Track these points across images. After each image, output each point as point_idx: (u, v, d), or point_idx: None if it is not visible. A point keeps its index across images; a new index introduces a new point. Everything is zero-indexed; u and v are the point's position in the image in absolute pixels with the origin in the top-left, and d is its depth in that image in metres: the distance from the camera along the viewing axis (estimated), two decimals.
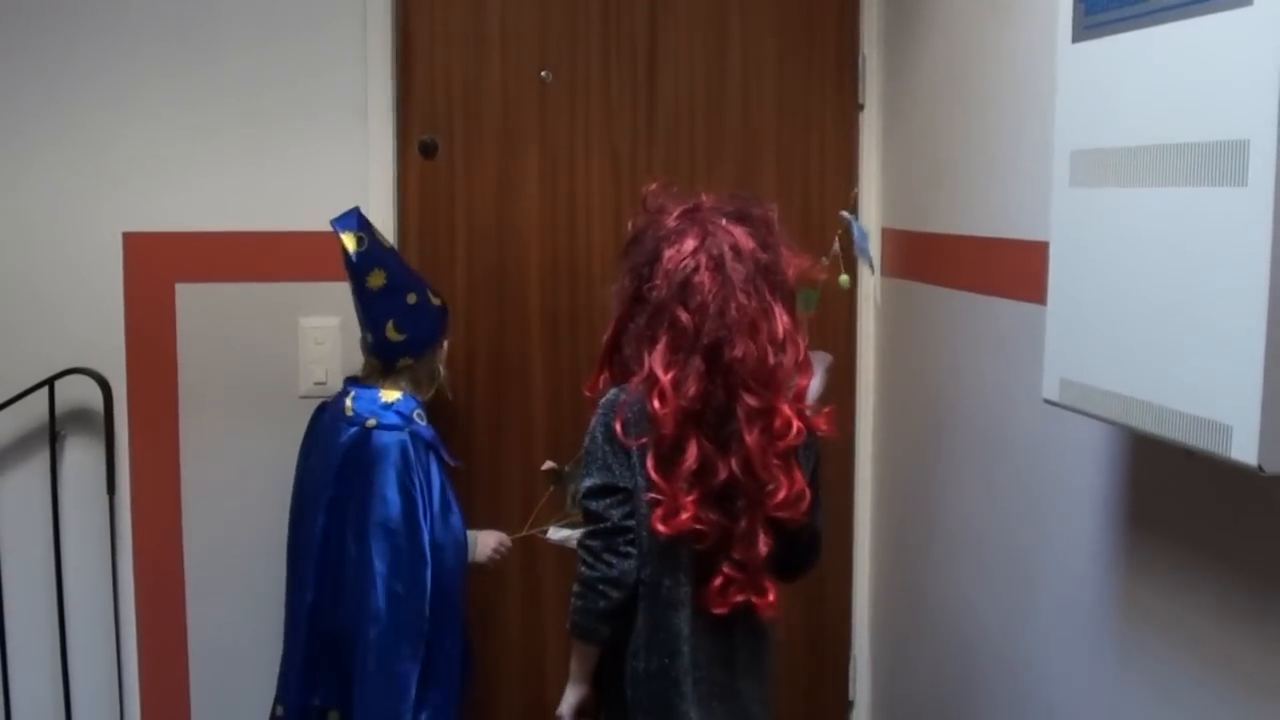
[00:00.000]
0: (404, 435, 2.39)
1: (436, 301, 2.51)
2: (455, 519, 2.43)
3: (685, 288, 1.90)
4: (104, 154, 2.68)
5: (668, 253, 1.93)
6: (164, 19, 2.67)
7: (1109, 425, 1.71)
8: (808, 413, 1.97)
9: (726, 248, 1.91)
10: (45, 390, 2.64)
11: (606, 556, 1.95)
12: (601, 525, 1.96)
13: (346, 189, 2.69)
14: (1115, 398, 1.56)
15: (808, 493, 1.94)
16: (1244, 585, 1.58)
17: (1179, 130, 1.42)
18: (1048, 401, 1.74)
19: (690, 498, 1.89)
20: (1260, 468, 1.30)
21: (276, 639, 2.56)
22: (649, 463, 1.91)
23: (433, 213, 2.86)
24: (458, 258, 2.88)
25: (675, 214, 1.98)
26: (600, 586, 1.95)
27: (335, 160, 2.75)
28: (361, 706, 2.36)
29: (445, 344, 2.58)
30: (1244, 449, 1.31)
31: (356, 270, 2.38)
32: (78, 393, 2.69)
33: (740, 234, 1.93)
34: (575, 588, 1.99)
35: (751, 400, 1.89)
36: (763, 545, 1.92)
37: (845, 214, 2.27)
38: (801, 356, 1.95)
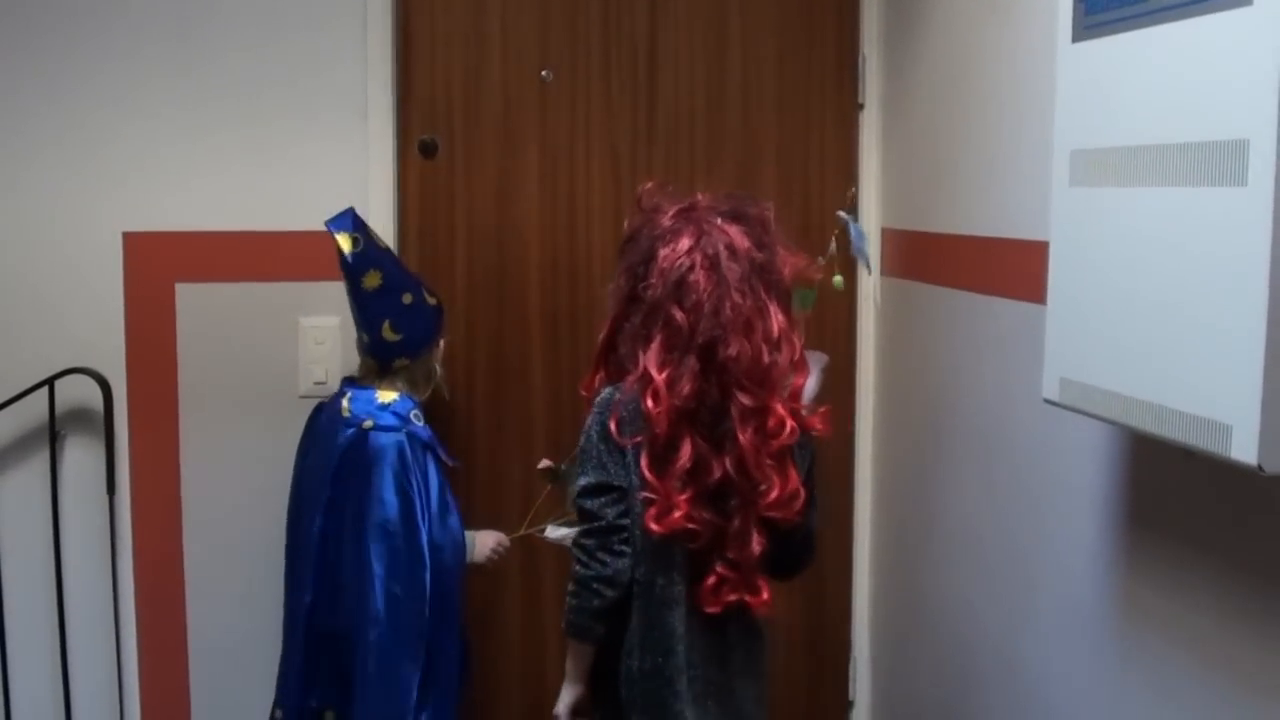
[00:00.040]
0: (401, 436, 2.39)
1: (432, 301, 2.51)
2: (453, 519, 2.43)
3: (680, 287, 1.90)
4: (104, 154, 2.68)
5: (663, 252, 1.92)
6: (164, 18, 2.67)
7: (1109, 425, 1.70)
8: (803, 412, 1.97)
9: (722, 247, 1.91)
10: (45, 390, 2.64)
11: (601, 555, 1.95)
12: (596, 524, 1.96)
13: (346, 189, 2.69)
14: (1115, 397, 1.56)
15: (802, 492, 1.94)
16: (1244, 585, 1.58)
17: (1179, 130, 1.42)
18: (1048, 401, 1.74)
19: (684, 496, 1.89)
20: (1260, 467, 1.30)
21: (276, 638, 2.56)
22: (643, 461, 1.91)
23: (433, 212, 2.86)
24: (458, 257, 2.88)
25: (670, 213, 1.98)
26: (594, 585, 1.95)
27: (335, 160, 2.75)
28: (362, 709, 2.35)
29: (441, 343, 2.58)
30: (1244, 449, 1.31)
31: (352, 271, 2.37)
32: (78, 392, 2.69)
33: (735, 233, 1.93)
34: (570, 586, 1.99)
35: (745, 399, 1.89)
36: (756, 544, 1.92)
37: (842, 214, 2.27)
38: (797, 356, 1.95)
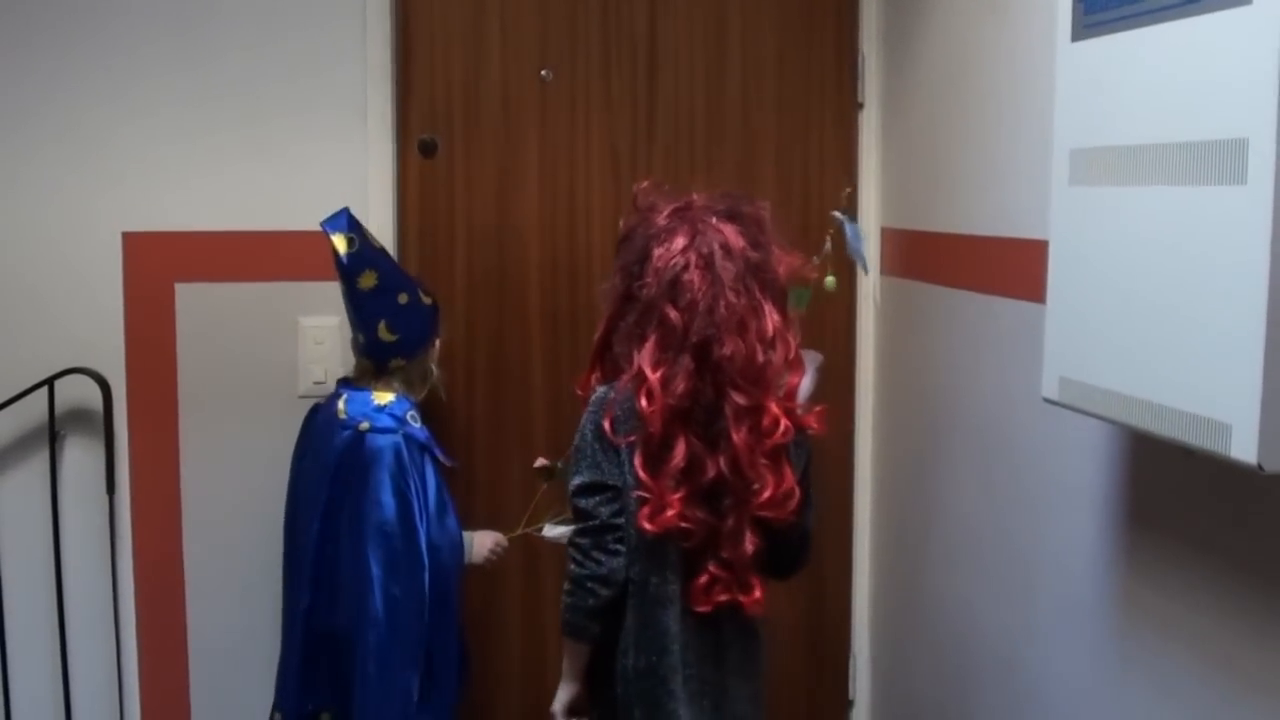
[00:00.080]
0: (398, 438, 2.37)
1: (427, 301, 2.50)
2: (451, 521, 2.43)
3: (675, 286, 1.90)
4: (103, 153, 2.68)
5: (657, 251, 1.92)
6: (163, 17, 2.67)
7: (1108, 424, 1.70)
8: (799, 411, 1.97)
9: (716, 246, 1.91)
10: (45, 390, 2.64)
11: (595, 554, 1.95)
12: (590, 523, 1.96)
13: (346, 188, 2.69)
14: (1115, 396, 1.56)
15: (797, 492, 1.94)
16: (1244, 584, 1.58)
17: (1178, 129, 1.42)
18: (1047, 400, 1.74)
19: (677, 495, 1.89)
20: (1260, 466, 1.30)
21: (276, 638, 2.56)
22: (637, 460, 1.91)
23: (432, 212, 2.86)
24: (457, 257, 2.88)
25: (666, 212, 1.98)
26: (589, 584, 1.95)
27: (335, 159, 2.75)
28: (362, 712, 2.34)
29: (437, 343, 2.57)
30: (1243, 447, 1.31)
31: (348, 271, 2.36)
32: (77, 392, 2.69)
33: (731, 232, 1.93)
34: (565, 585, 1.99)
35: (740, 398, 1.89)
36: (749, 544, 1.92)
37: (837, 214, 2.26)
38: (792, 355, 1.95)
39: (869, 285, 2.99)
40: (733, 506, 1.92)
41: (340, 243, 2.34)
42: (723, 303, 1.88)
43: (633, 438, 1.93)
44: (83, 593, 2.73)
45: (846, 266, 2.71)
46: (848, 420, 3.02)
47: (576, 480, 1.98)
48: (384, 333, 2.42)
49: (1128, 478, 1.87)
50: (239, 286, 2.75)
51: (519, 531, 2.59)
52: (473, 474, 2.89)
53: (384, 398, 2.43)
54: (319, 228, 2.37)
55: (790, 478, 1.93)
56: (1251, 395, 1.29)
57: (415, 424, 2.43)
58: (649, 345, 1.91)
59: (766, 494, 1.90)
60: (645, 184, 2.08)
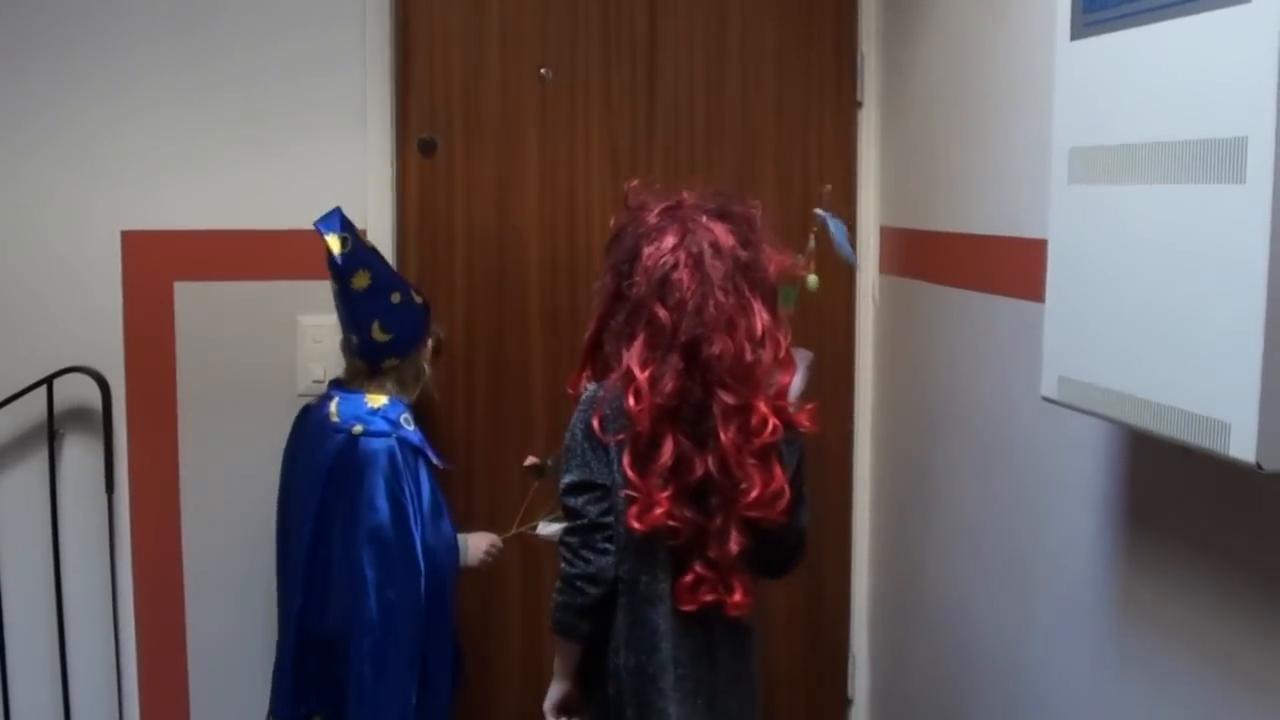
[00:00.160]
0: (392, 441, 2.36)
1: (419, 300, 2.48)
2: (446, 523, 2.41)
3: (664, 285, 1.89)
4: (103, 152, 2.68)
5: (647, 250, 1.92)
6: (163, 16, 2.67)
7: (1107, 423, 1.71)
8: (790, 410, 1.96)
9: (706, 245, 1.90)
10: (44, 389, 2.64)
11: (584, 553, 1.95)
12: (579, 521, 1.96)
13: (345, 187, 2.69)
14: (1114, 395, 1.56)
15: (786, 491, 1.93)
16: (1243, 582, 1.58)
17: (1178, 128, 1.42)
18: (1046, 399, 1.74)
19: (665, 494, 1.89)
20: (1259, 465, 1.30)
21: (275, 636, 2.56)
22: (625, 459, 1.91)
23: (432, 211, 2.85)
24: (457, 256, 2.88)
25: (656, 211, 1.97)
26: (578, 583, 1.95)
27: (334, 158, 2.75)
28: (359, 717, 2.33)
29: (429, 343, 2.56)
30: (1242, 446, 1.31)
31: (341, 271, 2.34)
32: (76, 391, 2.69)
33: (721, 231, 1.93)
34: (556, 584, 2.00)
35: (728, 398, 1.88)
36: (734, 544, 1.91)
37: (820, 211, 2.26)
38: (782, 353, 1.94)
39: (868, 284, 2.99)
40: (720, 506, 1.91)
41: (334, 243, 2.32)
42: (712, 302, 1.88)
43: (621, 436, 1.93)
44: (82, 591, 2.73)
45: (834, 264, 2.69)
46: (847, 420, 3.02)
47: (566, 479, 1.98)
48: (377, 333, 2.40)
49: (1126, 476, 1.87)
50: (238, 285, 2.75)
51: (513, 531, 2.57)
52: (472, 474, 2.89)
53: (378, 400, 2.41)
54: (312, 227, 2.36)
55: (780, 477, 1.92)
56: (1250, 394, 1.29)
57: (409, 427, 2.41)
58: (638, 344, 1.91)
59: (754, 494, 1.90)
60: (636, 182, 2.08)
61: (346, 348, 2.49)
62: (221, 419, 2.76)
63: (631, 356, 1.90)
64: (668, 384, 1.88)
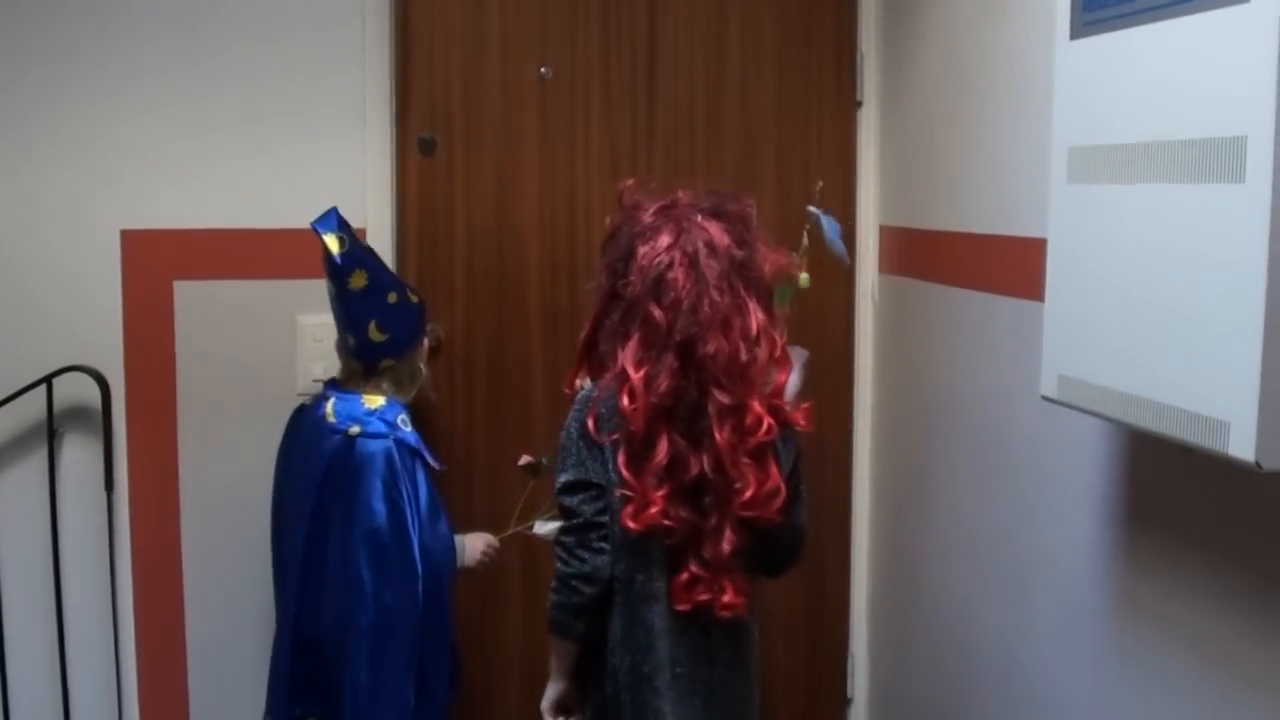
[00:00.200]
0: (389, 443, 2.34)
1: (415, 299, 2.48)
2: (443, 525, 2.40)
3: (659, 284, 1.89)
4: (102, 151, 2.68)
5: (642, 249, 1.92)
6: (163, 14, 2.67)
7: (1107, 422, 1.71)
8: (786, 408, 1.96)
9: (701, 244, 1.90)
10: (43, 388, 2.64)
11: (579, 552, 1.95)
12: (575, 521, 1.96)
13: (345, 186, 2.69)
14: (1113, 394, 1.56)
15: (782, 490, 1.92)
16: (1242, 581, 1.58)
17: (1177, 127, 1.42)
18: (1046, 398, 1.75)
19: (660, 493, 1.89)
20: (1258, 464, 1.30)
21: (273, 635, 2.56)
22: (620, 459, 1.91)
23: (432, 211, 2.85)
24: (457, 256, 2.88)
25: (651, 210, 1.97)
26: (574, 582, 1.96)
27: (334, 157, 2.75)
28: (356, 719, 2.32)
29: (425, 342, 2.55)
30: (1241, 445, 1.31)
31: (340, 271, 2.33)
32: (76, 390, 2.69)
33: (715, 230, 1.92)
34: (552, 583, 2.00)
35: (722, 397, 1.88)
36: (726, 543, 1.91)
37: (813, 209, 2.26)
38: (778, 352, 1.94)
39: (867, 284, 2.99)
40: (715, 505, 1.91)
41: (333, 243, 2.31)
42: (706, 301, 1.87)
43: (616, 436, 1.92)
44: (81, 590, 2.73)
45: (830, 262, 2.69)
46: (846, 419, 3.03)
47: (562, 478, 1.98)
48: (374, 333, 2.39)
49: (1126, 475, 1.87)
50: (238, 284, 2.75)
51: (510, 530, 2.57)
52: (472, 474, 2.89)
53: (375, 402, 2.40)
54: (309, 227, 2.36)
55: (775, 476, 1.92)
56: (1249, 393, 1.29)
57: (406, 428, 2.40)
58: (632, 344, 1.90)
59: (749, 493, 1.89)
60: (631, 181, 2.07)
61: (342, 348, 2.48)
62: (221, 418, 2.76)
63: (626, 356, 1.90)
64: (662, 383, 1.88)
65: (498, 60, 2.85)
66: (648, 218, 1.96)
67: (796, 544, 2.07)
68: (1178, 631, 1.73)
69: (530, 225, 2.89)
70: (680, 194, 2.00)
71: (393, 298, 2.41)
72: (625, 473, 1.90)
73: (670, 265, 1.89)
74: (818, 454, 2.82)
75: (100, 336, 2.70)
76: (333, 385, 2.48)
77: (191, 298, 2.74)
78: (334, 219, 2.34)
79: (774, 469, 1.92)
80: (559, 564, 1.98)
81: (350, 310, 2.39)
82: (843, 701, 3.12)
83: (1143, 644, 1.82)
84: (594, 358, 2.04)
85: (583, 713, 2.10)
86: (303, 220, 2.36)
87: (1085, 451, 1.95)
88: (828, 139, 2.97)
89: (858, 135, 2.98)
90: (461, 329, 2.87)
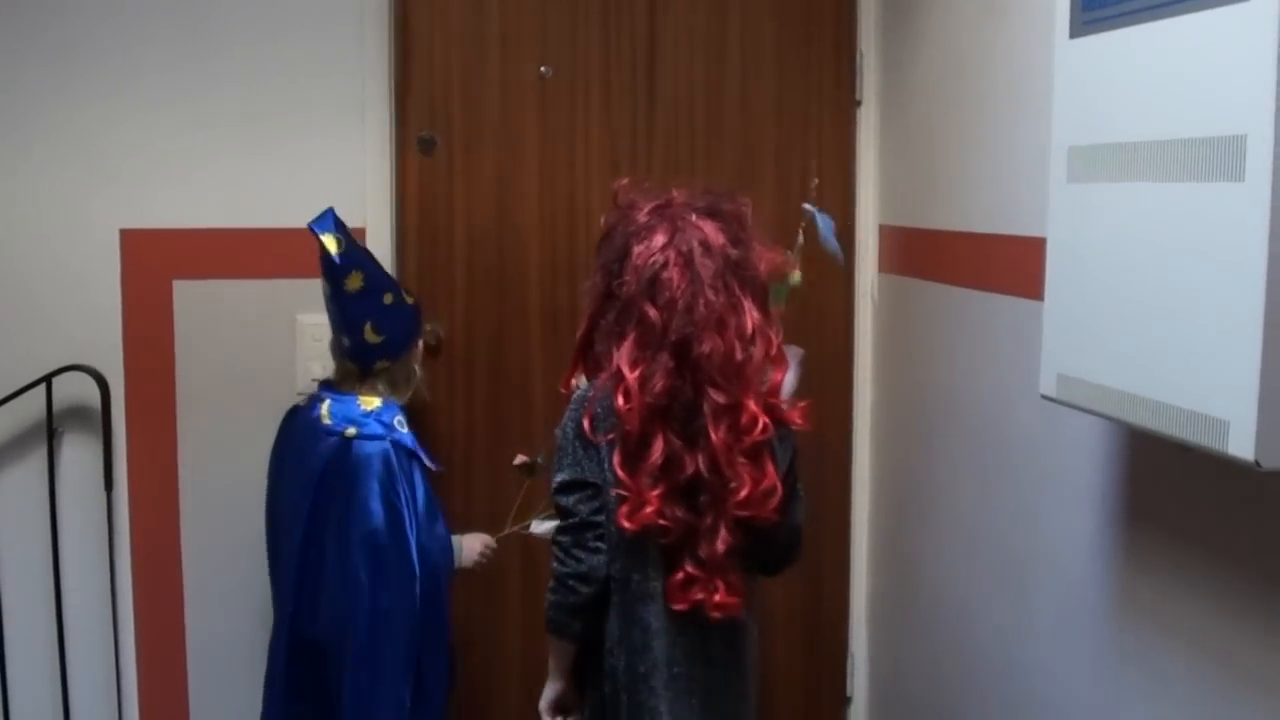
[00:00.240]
0: (386, 444, 2.34)
1: (410, 300, 2.47)
2: (440, 526, 2.39)
3: (654, 284, 1.89)
4: (101, 150, 2.68)
5: (637, 249, 1.92)
6: (162, 13, 2.67)
7: (1106, 421, 1.71)
8: (783, 407, 1.96)
9: (696, 243, 1.90)
10: (43, 387, 2.64)
11: (576, 551, 1.95)
12: (571, 520, 1.96)
13: (345, 186, 2.69)
14: (1112, 393, 1.56)
15: (779, 489, 1.92)
16: (1242, 580, 1.58)
17: (1177, 126, 1.42)
18: (1045, 397, 1.74)
19: (655, 493, 1.88)
20: (1257, 463, 1.30)
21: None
22: (615, 458, 1.91)
23: (431, 210, 2.85)
24: (456, 255, 2.88)
25: (645, 210, 1.97)
26: (570, 581, 1.96)
27: (333, 157, 2.75)
28: None
29: (420, 344, 2.55)
30: (1241, 444, 1.31)
31: (337, 272, 2.32)
32: (75, 389, 2.69)
33: (710, 229, 1.92)
34: (549, 583, 2.00)
35: (718, 396, 1.88)
36: (721, 543, 1.90)
37: (808, 206, 2.26)
38: (774, 351, 1.94)
39: (866, 283, 2.99)
40: (710, 504, 1.91)
41: (331, 243, 2.30)
42: (702, 300, 1.87)
43: (611, 435, 1.92)
44: (81, 589, 2.73)
45: (826, 259, 2.69)
46: (845, 419, 3.03)
47: (558, 478, 1.98)
48: (370, 334, 2.38)
49: (1125, 474, 1.87)
50: (237, 284, 2.75)
51: (507, 530, 2.57)
52: (471, 474, 2.89)
53: (371, 403, 2.39)
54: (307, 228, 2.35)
55: (772, 475, 1.91)
56: (1249, 392, 1.29)
57: (403, 429, 2.39)
58: (628, 343, 1.90)
59: (744, 492, 1.89)
60: (625, 181, 2.07)
61: (337, 349, 2.47)
62: (220, 417, 2.76)
63: (621, 356, 1.90)
64: (658, 383, 1.87)
65: (497, 60, 2.85)
66: (642, 217, 1.96)
67: (794, 543, 2.07)
68: (1178, 631, 1.73)
69: (530, 225, 2.89)
70: (675, 193, 2.00)
71: (388, 299, 2.40)
72: (620, 472, 1.90)
73: (665, 265, 1.89)
74: (817, 454, 2.82)
75: (99, 336, 2.70)
76: (327, 386, 2.47)
77: (191, 297, 2.74)
78: (331, 219, 2.34)
79: (770, 468, 1.92)
80: (555, 564, 1.98)
81: (346, 311, 2.38)
82: (842, 701, 3.12)
83: (1143, 643, 1.82)
84: (589, 357, 2.03)
85: (581, 712, 2.10)
86: (302, 220, 2.36)
87: (1085, 450, 1.95)
88: (827, 138, 2.97)
89: (857, 135, 2.98)
90: (461, 329, 2.87)
